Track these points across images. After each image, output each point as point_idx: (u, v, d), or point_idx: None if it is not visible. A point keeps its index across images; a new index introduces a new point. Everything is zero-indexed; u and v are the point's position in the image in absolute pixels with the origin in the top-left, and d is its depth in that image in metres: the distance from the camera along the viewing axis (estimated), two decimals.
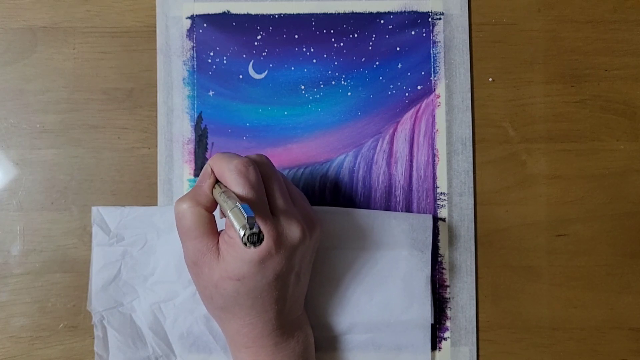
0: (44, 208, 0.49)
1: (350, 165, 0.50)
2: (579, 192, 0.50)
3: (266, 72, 0.50)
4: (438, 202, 0.50)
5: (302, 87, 0.50)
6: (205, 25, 0.50)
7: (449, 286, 0.50)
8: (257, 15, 0.50)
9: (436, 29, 0.50)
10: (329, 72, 0.50)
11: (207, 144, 0.50)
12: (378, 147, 0.50)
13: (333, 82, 0.50)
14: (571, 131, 0.50)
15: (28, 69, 0.50)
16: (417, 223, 0.48)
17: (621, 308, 0.50)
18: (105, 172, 0.50)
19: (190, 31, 0.50)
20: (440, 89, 0.50)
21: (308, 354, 0.45)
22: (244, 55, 0.50)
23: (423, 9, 0.50)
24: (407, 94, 0.50)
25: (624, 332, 0.50)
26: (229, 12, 0.50)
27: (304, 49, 0.50)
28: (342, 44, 0.50)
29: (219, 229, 0.43)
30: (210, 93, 0.50)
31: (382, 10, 0.50)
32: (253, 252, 0.40)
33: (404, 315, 0.48)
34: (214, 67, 0.50)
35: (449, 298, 0.50)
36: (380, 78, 0.50)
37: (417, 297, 0.48)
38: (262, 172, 0.42)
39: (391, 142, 0.50)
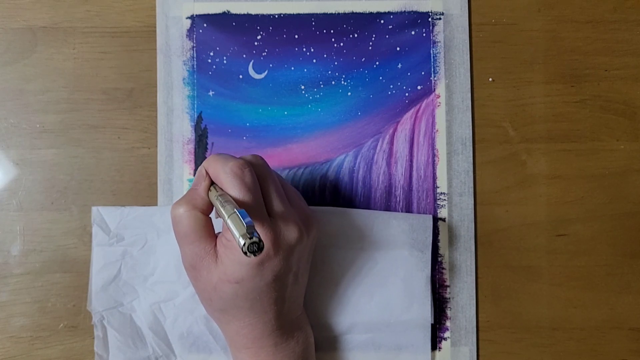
0: (44, 208, 0.49)
1: (350, 165, 0.50)
2: (579, 192, 0.50)
3: (266, 72, 0.50)
4: (438, 202, 0.50)
5: (302, 87, 0.50)
6: (205, 25, 0.50)
7: (449, 286, 0.50)
8: (257, 15, 0.50)
9: (436, 29, 0.50)
10: (329, 72, 0.50)
11: (207, 144, 0.50)
12: (378, 147, 0.50)
13: (333, 82, 0.50)
14: (571, 131, 0.50)
15: (28, 69, 0.50)
16: (417, 223, 0.48)
17: (621, 308, 0.50)
18: (105, 172, 0.50)
19: (190, 31, 0.50)
20: (440, 89, 0.50)
21: (308, 354, 0.45)
22: (244, 55, 0.50)
23: (423, 9, 0.50)
24: (407, 94, 0.50)
25: (624, 332, 0.50)
26: (229, 12, 0.50)
27: (304, 49, 0.50)
28: (342, 44, 0.50)
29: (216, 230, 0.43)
30: (210, 93, 0.50)
31: (382, 10, 0.50)
32: None
33: (404, 315, 0.48)
34: (214, 67, 0.50)
35: (449, 298, 0.50)
36: (380, 78, 0.50)
37: (417, 297, 0.48)
38: (257, 173, 0.41)
39: (391, 142, 0.50)
